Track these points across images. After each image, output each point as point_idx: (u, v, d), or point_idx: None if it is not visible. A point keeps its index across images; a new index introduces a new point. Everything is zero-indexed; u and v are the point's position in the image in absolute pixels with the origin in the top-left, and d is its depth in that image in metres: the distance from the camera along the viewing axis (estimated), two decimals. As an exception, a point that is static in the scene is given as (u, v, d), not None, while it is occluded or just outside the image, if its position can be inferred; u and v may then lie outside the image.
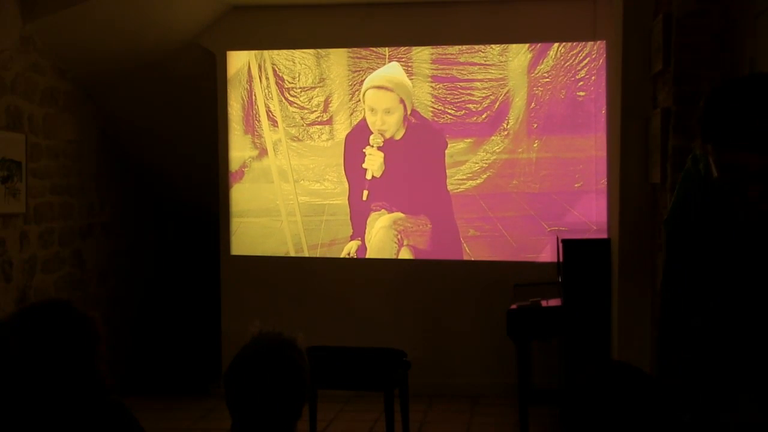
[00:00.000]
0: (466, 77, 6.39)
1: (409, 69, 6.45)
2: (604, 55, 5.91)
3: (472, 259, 6.42)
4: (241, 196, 6.72)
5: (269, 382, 2.02)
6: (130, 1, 5.82)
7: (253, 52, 6.63)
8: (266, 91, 6.63)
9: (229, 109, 6.66)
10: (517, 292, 5.75)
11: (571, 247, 5.12)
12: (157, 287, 7.66)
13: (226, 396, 2.05)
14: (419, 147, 6.46)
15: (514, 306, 5.31)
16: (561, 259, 5.25)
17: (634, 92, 4.37)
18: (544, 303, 5.32)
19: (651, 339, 4.35)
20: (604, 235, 5.23)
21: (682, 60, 3.58)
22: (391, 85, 6.42)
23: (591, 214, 6.13)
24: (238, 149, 6.69)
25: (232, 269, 6.74)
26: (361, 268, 6.58)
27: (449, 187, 6.44)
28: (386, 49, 6.49)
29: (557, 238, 5.51)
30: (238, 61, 6.66)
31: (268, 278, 6.68)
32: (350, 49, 6.55)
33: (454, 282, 6.42)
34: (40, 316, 2.08)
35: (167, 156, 7.18)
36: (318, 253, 6.65)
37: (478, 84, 6.38)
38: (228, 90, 6.64)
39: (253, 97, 6.65)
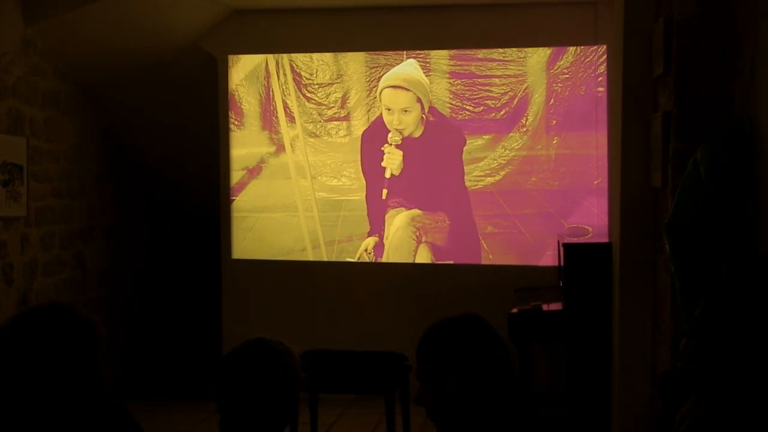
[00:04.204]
0: (484, 73, 6.36)
1: (427, 65, 6.42)
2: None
3: (489, 255, 6.40)
4: (258, 191, 6.72)
5: (254, 381, 2.04)
6: (131, 4, 5.83)
7: (270, 49, 6.65)
8: (284, 87, 6.63)
9: (247, 105, 6.67)
10: (518, 295, 5.74)
11: (572, 251, 5.12)
12: (158, 290, 7.66)
13: (217, 392, 2.07)
14: (437, 144, 6.43)
15: (515, 310, 5.31)
16: (562, 263, 5.24)
17: (635, 96, 4.36)
18: (545, 307, 5.32)
19: (652, 342, 4.35)
20: (606, 239, 5.23)
21: (683, 63, 3.58)
22: (407, 84, 6.40)
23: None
24: (256, 145, 6.70)
25: (232, 273, 6.74)
26: (362, 272, 6.58)
27: (467, 184, 6.42)
28: None
29: (558, 242, 5.50)
30: (255, 57, 6.66)
31: (269, 282, 6.68)
32: (365, 46, 6.55)
33: (454, 285, 6.41)
34: (40, 319, 2.08)
35: (169, 159, 7.19)
36: (335, 249, 6.64)
37: (496, 80, 6.35)
38: (239, 89, 6.66)
39: (271, 93, 6.65)
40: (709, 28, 3.51)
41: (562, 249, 5.23)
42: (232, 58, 6.65)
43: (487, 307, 6.19)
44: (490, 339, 2.01)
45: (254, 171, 6.72)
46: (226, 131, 6.69)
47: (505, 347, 2.03)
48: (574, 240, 5.54)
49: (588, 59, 6.21)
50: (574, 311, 5.03)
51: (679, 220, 3.21)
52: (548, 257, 6.20)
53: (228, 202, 6.73)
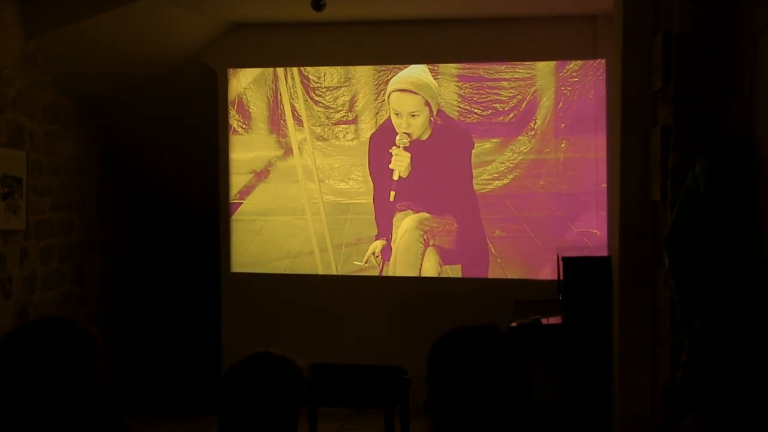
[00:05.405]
0: (493, 77, 6.36)
1: (436, 69, 6.43)
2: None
3: (498, 259, 6.40)
4: (266, 194, 6.73)
5: (255, 394, 2.03)
6: (131, 19, 5.85)
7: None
8: (291, 90, 6.65)
9: (254, 109, 6.69)
10: (517, 309, 5.74)
11: (571, 264, 5.11)
12: (158, 304, 7.65)
13: (217, 404, 2.07)
14: (445, 147, 6.44)
15: (514, 323, 5.30)
16: (561, 277, 5.24)
17: (634, 110, 4.37)
18: (544, 320, 5.31)
19: (652, 356, 4.34)
20: (605, 253, 5.23)
21: (682, 78, 3.58)
22: (415, 88, 6.40)
23: None
24: (263, 148, 6.72)
25: (232, 286, 6.73)
26: (361, 285, 6.58)
27: (475, 187, 6.42)
28: None
29: (558, 256, 5.50)
30: None
31: (268, 295, 6.68)
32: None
33: (454, 299, 6.41)
34: (39, 333, 2.08)
35: (169, 172, 7.19)
36: (342, 252, 6.64)
37: (505, 84, 6.35)
38: (247, 93, 6.68)
39: (279, 96, 6.67)
40: (708, 43, 3.52)
41: (561, 263, 5.23)
42: (233, 69, 6.67)
43: (487, 321, 6.22)
44: (506, 351, 2.01)
45: (262, 174, 6.74)
46: (226, 144, 6.69)
47: (521, 361, 2.03)
48: (579, 254, 5.53)
49: (597, 62, 6.22)
50: (574, 325, 5.02)
51: (679, 234, 3.21)
52: (548, 271, 6.19)
53: (227, 217, 6.73)
